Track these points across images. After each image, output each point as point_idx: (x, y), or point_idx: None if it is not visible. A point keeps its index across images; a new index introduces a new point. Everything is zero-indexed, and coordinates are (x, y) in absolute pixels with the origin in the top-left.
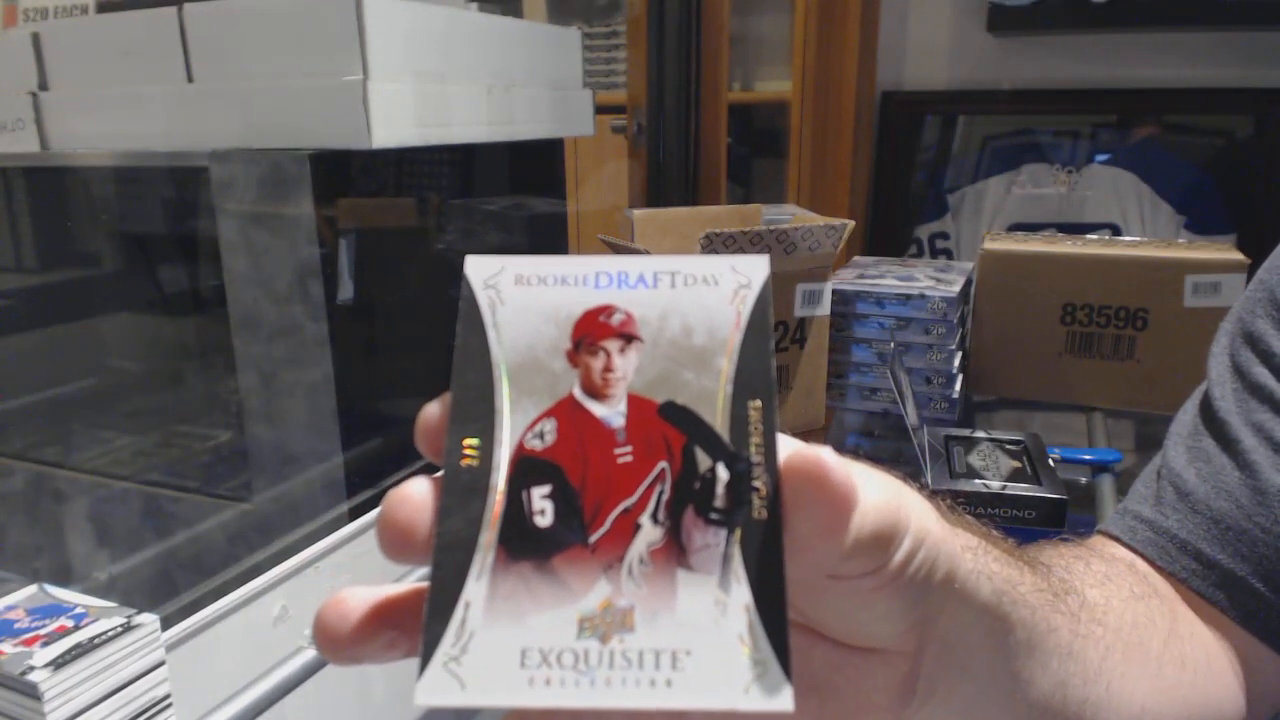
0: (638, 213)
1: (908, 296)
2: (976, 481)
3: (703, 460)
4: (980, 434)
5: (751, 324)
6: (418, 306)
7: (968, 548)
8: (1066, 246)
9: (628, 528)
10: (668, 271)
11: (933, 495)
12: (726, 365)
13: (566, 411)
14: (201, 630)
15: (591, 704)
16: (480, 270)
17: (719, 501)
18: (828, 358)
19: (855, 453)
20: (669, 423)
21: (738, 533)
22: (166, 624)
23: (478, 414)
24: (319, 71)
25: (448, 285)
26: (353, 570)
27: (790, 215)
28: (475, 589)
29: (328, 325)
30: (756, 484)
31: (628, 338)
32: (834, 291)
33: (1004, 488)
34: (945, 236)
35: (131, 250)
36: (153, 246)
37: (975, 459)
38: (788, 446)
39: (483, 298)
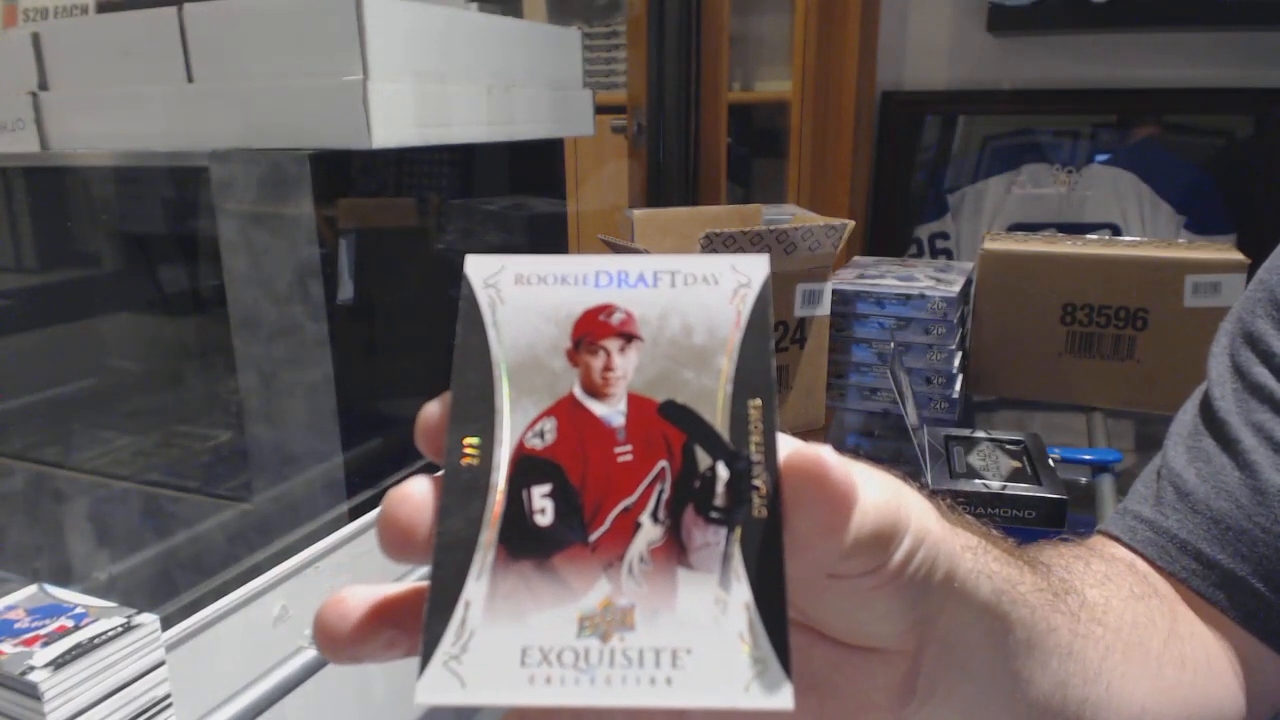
0: (638, 213)
1: (908, 296)
2: (976, 481)
3: (703, 459)
4: (980, 434)
5: (751, 323)
6: (418, 306)
7: (967, 547)
8: (1066, 246)
9: (628, 526)
10: (668, 271)
11: (933, 495)
12: (726, 364)
13: (566, 410)
14: (201, 630)
15: (592, 702)
16: (480, 269)
17: (719, 500)
18: (828, 358)
19: (855, 453)
20: (669, 422)
21: (738, 531)
22: (166, 624)
23: (478, 413)
24: (319, 71)
25: (448, 285)
26: (353, 570)
27: (790, 215)
28: (475, 588)
29: (328, 325)
30: (756, 483)
31: (628, 337)
32: (834, 291)
33: (1004, 488)
34: (945, 236)
35: (131, 250)
36: (153, 246)
37: (975, 459)
38: (788, 445)
39: (483, 297)
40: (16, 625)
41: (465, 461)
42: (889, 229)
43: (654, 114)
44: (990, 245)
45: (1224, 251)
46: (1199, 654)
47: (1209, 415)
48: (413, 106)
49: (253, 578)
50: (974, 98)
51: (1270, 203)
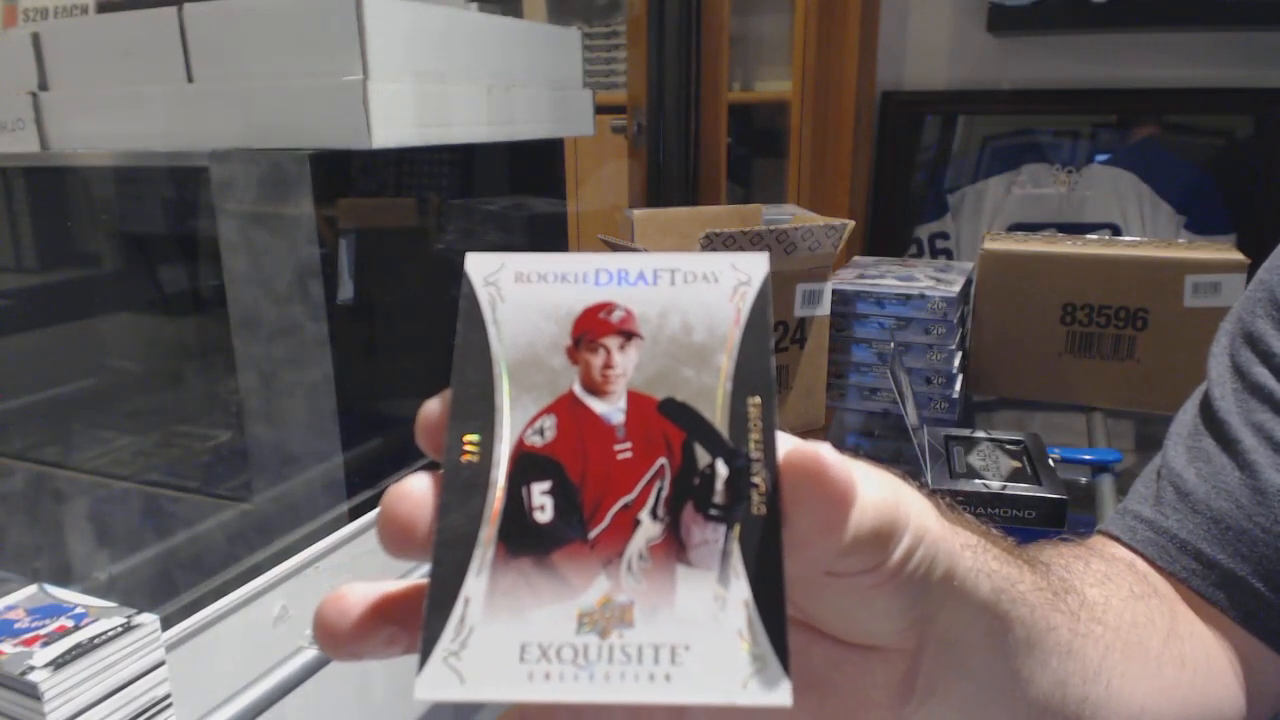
0: (638, 213)
1: (908, 296)
2: (976, 481)
3: (702, 456)
4: (980, 434)
5: (751, 321)
6: (418, 306)
7: (967, 546)
8: (1066, 246)
9: (627, 523)
10: (667, 269)
11: (932, 494)
12: (726, 362)
13: (566, 408)
14: (201, 630)
15: (591, 698)
16: (480, 267)
17: (718, 497)
18: (828, 358)
19: (855, 452)
20: (668, 419)
21: (737, 528)
22: (166, 624)
23: (478, 410)
24: (319, 71)
25: (448, 285)
26: (353, 570)
27: (790, 215)
28: (475, 584)
29: (328, 325)
30: (756, 480)
31: (628, 334)
32: (834, 291)
33: (1004, 488)
34: (945, 236)
35: (131, 250)
36: (153, 246)
37: (975, 459)
38: (787, 443)
39: (483, 295)
40: (16, 625)
41: (465, 458)
42: (889, 229)
43: (654, 114)
44: (990, 245)
45: (1224, 251)
46: (1199, 653)
47: (1209, 415)
48: (413, 106)
49: (253, 578)
50: (974, 98)
51: (1270, 203)
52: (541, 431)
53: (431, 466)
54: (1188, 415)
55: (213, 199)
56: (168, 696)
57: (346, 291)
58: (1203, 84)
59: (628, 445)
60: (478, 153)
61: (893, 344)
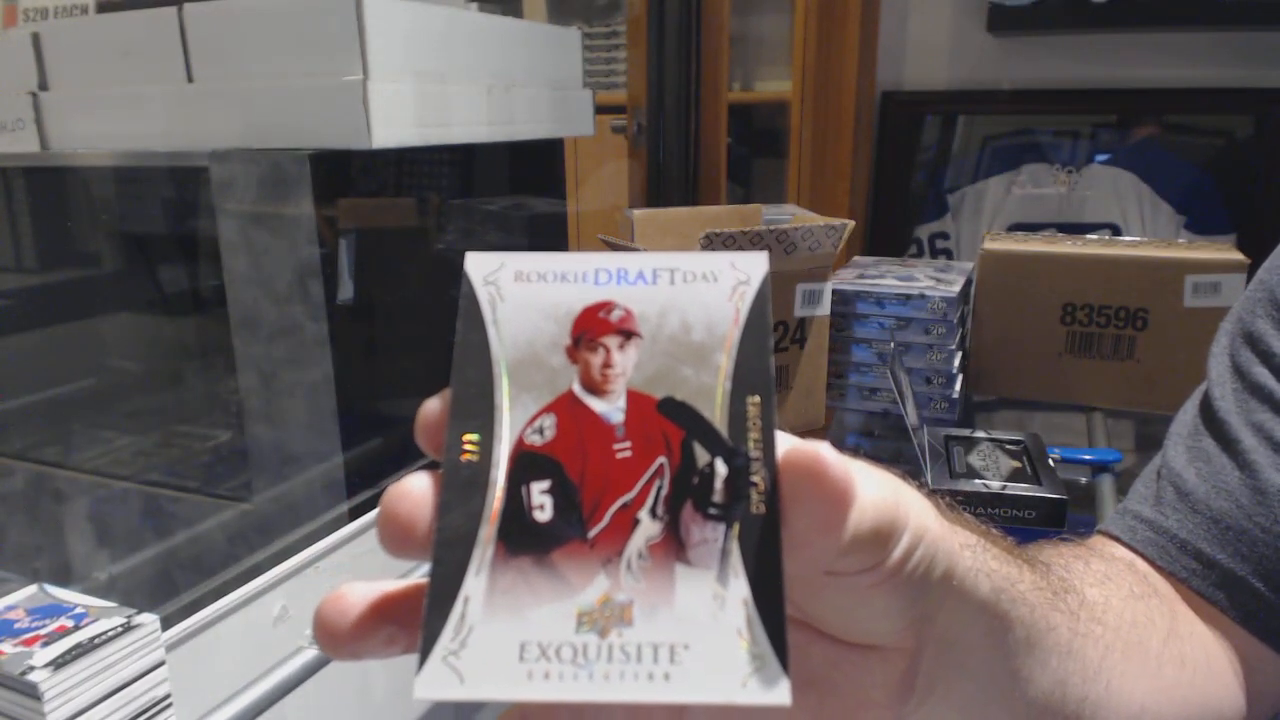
0: (638, 213)
1: (908, 296)
2: (976, 481)
3: (701, 456)
4: (980, 434)
5: (750, 320)
6: (418, 306)
7: (966, 545)
8: (1066, 246)
9: (626, 523)
10: (667, 268)
11: (932, 494)
12: (725, 361)
13: (566, 407)
14: (201, 630)
15: (590, 697)
16: (480, 267)
17: (717, 497)
18: (828, 358)
19: (855, 452)
20: (668, 418)
21: (736, 528)
22: (166, 624)
23: (477, 409)
24: (319, 71)
25: (448, 285)
26: (353, 570)
27: (790, 215)
28: (474, 584)
29: (328, 325)
30: (755, 479)
31: (627, 334)
32: (834, 291)
33: (1004, 488)
34: (945, 236)
35: (131, 250)
36: (153, 246)
37: (975, 459)
38: (786, 442)
39: (483, 294)
40: (16, 625)
41: (465, 458)
42: (889, 229)
43: (654, 114)
44: (990, 245)
45: (1224, 251)
46: (1198, 653)
47: (1209, 415)
48: (413, 106)
49: (253, 578)
50: (974, 98)
51: (1270, 203)
52: (541, 430)
53: (431, 466)
54: (1188, 415)
55: (213, 199)
56: (168, 696)
57: (346, 291)
58: (1203, 84)
59: (627, 444)
60: (478, 153)
61: (893, 344)
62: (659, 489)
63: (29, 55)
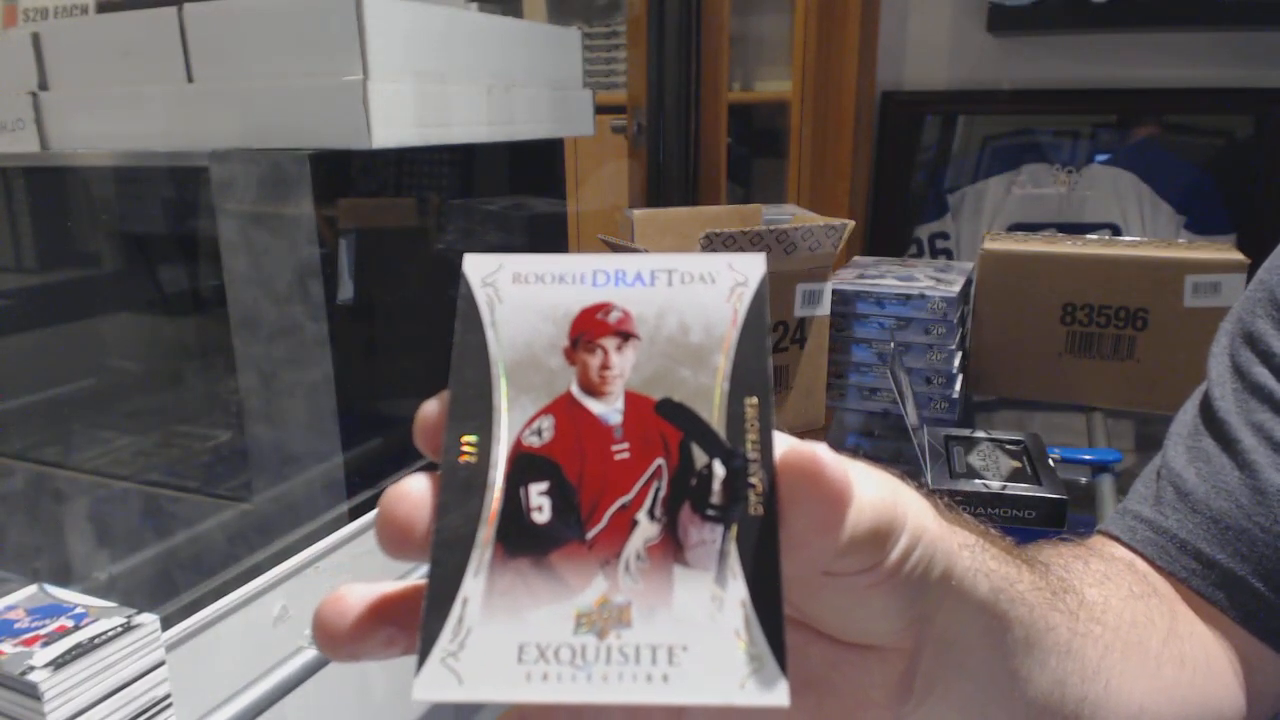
0: (638, 213)
1: (908, 296)
2: (976, 481)
3: (699, 457)
4: (980, 434)
5: (748, 322)
6: (418, 306)
7: (965, 545)
8: (1066, 246)
9: (625, 524)
10: (665, 269)
11: (930, 494)
12: (723, 363)
13: (564, 408)
14: (201, 630)
15: (588, 699)
16: (478, 268)
17: (715, 498)
18: (828, 358)
19: (855, 453)
20: (666, 420)
21: (734, 529)
22: (166, 624)
23: (476, 411)
24: (319, 71)
25: (447, 285)
26: (353, 570)
27: (790, 215)
28: (473, 585)
29: (328, 325)
30: (753, 480)
31: (625, 335)
32: (834, 291)
33: (1004, 488)
34: (945, 236)
35: (131, 250)
36: (153, 246)
37: (975, 459)
38: (784, 443)
39: (481, 295)
40: (16, 625)
41: (463, 459)
42: (889, 229)
43: (654, 114)
44: (990, 245)
45: (1224, 251)
46: (1198, 653)
47: (1209, 415)
48: (413, 106)
49: (253, 578)
50: (974, 98)
51: (1270, 203)
52: (539, 432)
53: (430, 467)
54: (1188, 415)
55: (213, 199)
56: (168, 696)
57: (346, 291)
58: (1203, 84)
59: (625, 446)
60: (478, 153)
61: (893, 344)
62: (657, 490)
63: (29, 55)
